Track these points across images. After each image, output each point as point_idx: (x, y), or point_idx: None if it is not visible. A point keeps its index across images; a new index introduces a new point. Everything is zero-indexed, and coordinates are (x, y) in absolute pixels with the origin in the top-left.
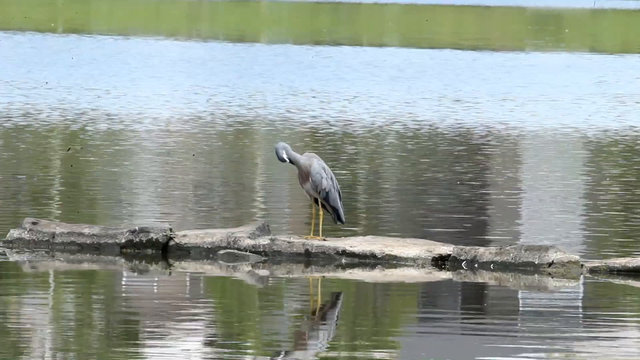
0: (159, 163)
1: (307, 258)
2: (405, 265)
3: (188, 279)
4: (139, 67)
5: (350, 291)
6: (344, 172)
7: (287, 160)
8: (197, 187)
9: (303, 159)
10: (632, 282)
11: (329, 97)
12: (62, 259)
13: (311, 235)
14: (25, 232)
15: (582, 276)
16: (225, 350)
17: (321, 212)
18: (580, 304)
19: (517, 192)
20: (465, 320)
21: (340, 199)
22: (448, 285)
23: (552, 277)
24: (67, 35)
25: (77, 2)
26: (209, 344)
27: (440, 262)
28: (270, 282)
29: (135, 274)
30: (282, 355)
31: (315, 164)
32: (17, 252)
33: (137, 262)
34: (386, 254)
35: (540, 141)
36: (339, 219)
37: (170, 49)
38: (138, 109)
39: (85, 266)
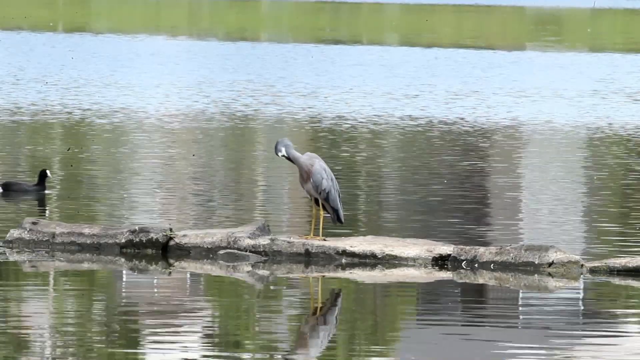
0: (159, 163)
1: (307, 258)
2: (406, 265)
3: (188, 279)
4: (139, 66)
5: (350, 291)
6: (344, 170)
7: (284, 157)
8: (197, 187)
9: (304, 158)
10: (632, 282)
11: (329, 96)
12: (62, 259)
13: (311, 235)
14: (25, 232)
15: (582, 276)
16: (225, 349)
17: (321, 212)
18: (580, 304)
19: (517, 192)
20: (465, 320)
21: (340, 200)
22: (448, 285)
23: (552, 277)
24: (67, 34)
25: (77, 2)
26: (208, 343)
27: (440, 262)
28: (270, 282)
29: (135, 273)
30: (281, 355)
31: (317, 164)
32: (17, 252)
33: (137, 262)
34: (386, 254)
35: (540, 140)
36: (339, 219)
37: (170, 48)
38: (138, 108)
39: (85, 266)
